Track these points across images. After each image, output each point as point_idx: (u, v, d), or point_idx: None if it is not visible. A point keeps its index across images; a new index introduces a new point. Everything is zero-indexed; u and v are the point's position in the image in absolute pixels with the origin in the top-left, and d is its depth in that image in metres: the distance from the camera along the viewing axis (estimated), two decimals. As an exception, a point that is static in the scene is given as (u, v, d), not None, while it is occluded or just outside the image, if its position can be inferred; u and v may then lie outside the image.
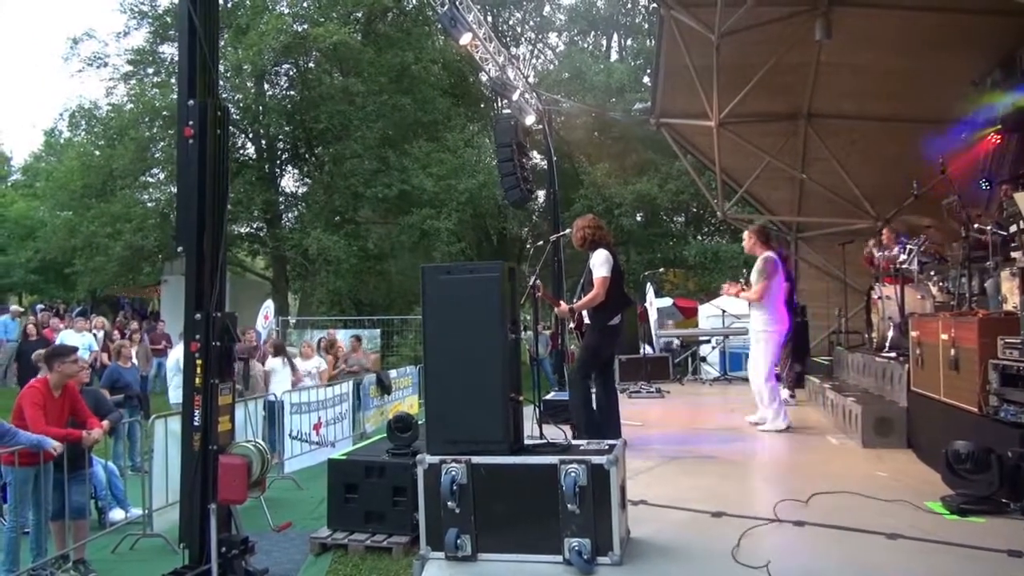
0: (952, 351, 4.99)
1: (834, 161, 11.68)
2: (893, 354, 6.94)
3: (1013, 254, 5.51)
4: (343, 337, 14.48)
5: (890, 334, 7.27)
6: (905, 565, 3.42)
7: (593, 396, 5.94)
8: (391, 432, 6.26)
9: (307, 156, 23.65)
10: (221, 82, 4.62)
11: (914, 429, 5.80)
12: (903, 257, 7.42)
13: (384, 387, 11.53)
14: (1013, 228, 5.46)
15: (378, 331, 17.95)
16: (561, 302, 5.94)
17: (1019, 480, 3.92)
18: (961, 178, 7.88)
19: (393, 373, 12.44)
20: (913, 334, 5.91)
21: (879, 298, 7.72)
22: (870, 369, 7.34)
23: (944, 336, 5.15)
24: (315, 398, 9.13)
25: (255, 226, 23.27)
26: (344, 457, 6.43)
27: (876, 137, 10.94)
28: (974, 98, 9.25)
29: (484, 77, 13.34)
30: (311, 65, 21.82)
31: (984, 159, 9.01)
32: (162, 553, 5.97)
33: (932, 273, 7.30)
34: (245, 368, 9.01)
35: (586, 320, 5.92)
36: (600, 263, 5.72)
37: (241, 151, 22.28)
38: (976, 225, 6.00)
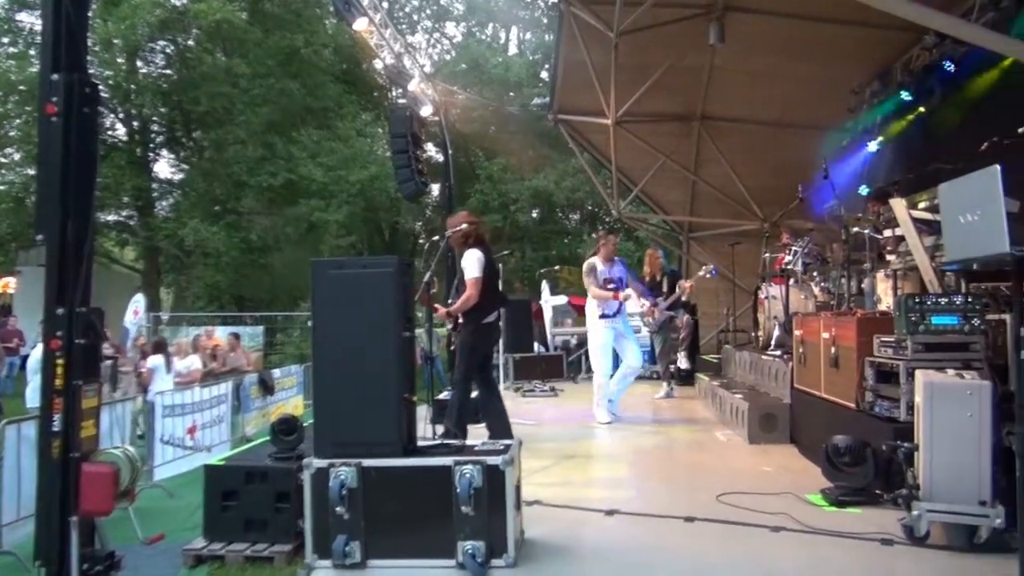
0: (832, 349, 5.20)
1: (725, 163, 12.07)
2: (778, 352, 7.21)
3: (887, 256, 5.78)
4: (222, 335, 13.75)
5: (775, 333, 7.56)
6: (789, 556, 3.55)
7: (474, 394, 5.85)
8: (274, 435, 5.92)
9: (185, 140, 22.50)
10: (89, 56, 4.25)
11: (797, 425, 6.03)
12: (788, 258, 7.72)
13: (267, 388, 10.96)
14: (887, 232, 5.72)
15: (261, 328, 17.17)
16: (438, 306, 5.78)
17: (891, 472, 4.10)
18: (842, 183, 8.26)
19: (276, 373, 11.87)
20: (796, 333, 6.14)
21: (766, 298, 8.00)
22: (756, 367, 7.59)
23: (825, 335, 5.36)
24: (190, 400, 8.56)
25: (124, 214, 21.79)
26: (222, 462, 6.04)
27: (765, 141, 11.31)
28: (854, 107, 9.75)
29: (379, 65, 12.93)
30: (191, 43, 20.64)
31: (863, 166, 9.46)
32: (13, 571, 5.43)
33: (815, 273, 7.62)
34: (113, 368, 8.36)
35: (460, 320, 5.81)
36: (471, 264, 5.61)
37: (110, 132, 20.84)
38: (855, 229, 6.27)
